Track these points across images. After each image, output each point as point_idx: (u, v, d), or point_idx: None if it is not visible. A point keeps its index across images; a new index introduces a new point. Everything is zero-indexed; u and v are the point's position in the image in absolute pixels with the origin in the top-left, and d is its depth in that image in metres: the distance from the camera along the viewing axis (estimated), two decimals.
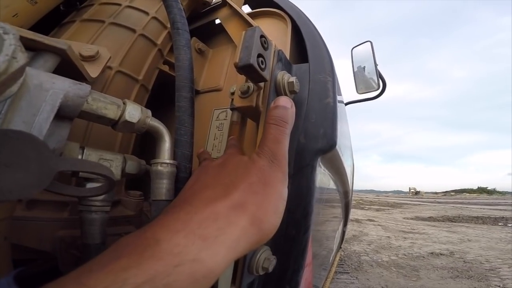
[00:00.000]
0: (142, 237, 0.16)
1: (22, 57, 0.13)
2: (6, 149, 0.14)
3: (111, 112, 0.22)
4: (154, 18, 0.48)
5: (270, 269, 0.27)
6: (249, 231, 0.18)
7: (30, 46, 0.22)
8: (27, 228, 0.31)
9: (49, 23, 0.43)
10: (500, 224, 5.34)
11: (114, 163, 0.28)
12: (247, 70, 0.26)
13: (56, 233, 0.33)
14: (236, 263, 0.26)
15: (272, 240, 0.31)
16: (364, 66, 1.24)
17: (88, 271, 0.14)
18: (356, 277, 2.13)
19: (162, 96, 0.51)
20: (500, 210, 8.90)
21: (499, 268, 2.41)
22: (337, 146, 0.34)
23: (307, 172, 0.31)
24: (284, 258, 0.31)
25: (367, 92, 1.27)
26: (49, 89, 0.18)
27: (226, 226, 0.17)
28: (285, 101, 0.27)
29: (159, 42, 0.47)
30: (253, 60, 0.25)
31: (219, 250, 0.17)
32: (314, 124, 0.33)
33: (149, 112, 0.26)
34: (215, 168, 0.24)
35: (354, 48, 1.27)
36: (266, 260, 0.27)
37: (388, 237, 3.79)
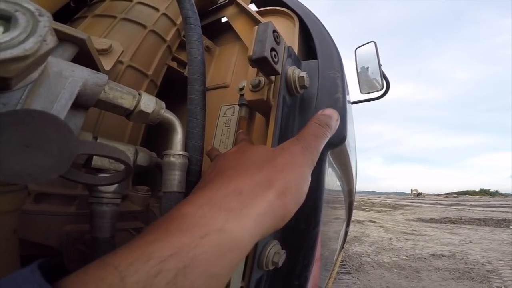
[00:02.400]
0: (169, 214, 0.17)
1: (51, 40, 0.13)
2: (27, 129, 0.13)
3: (127, 101, 0.23)
4: (164, 14, 0.48)
5: (280, 264, 0.26)
6: (274, 204, 0.18)
7: None
8: (34, 223, 0.31)
9: (59, 19, 0.43)
10: (502, 226, 5.32)
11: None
12: (260, 63, 0.26)
13: (63, 228, 0.32)
14: (246, 258, 0.25)
15: (281, 234, 0.31)
16: (368, 67, 1.24)
17: (114, 251, 0.14)
18: (358, 278, 2.12)
19: (169, 92, 0.51)
20: (503, 212, 8.86)
21: (501, 269, 2.39)
22: (346, 142, 0.34)
23: (317, 165, 0.31)
24: (294, 252, 0.30)
25: (370, 92, 1.27)
26: (69, 76, 0.19)
27: (250, 199, 0.18)
28: (331, 112, 0.27)
29: (168, 38, 0.47)
30: (267, 53, 0.25)
31: (245, 222, 0.16)
32: None
33: (163, 104, 0.27)
34: (233, 154, 0.25)
35: (358, 49, 1.27)
36: (276, 255, 0.26)
37: (390, 238, 3.77)
